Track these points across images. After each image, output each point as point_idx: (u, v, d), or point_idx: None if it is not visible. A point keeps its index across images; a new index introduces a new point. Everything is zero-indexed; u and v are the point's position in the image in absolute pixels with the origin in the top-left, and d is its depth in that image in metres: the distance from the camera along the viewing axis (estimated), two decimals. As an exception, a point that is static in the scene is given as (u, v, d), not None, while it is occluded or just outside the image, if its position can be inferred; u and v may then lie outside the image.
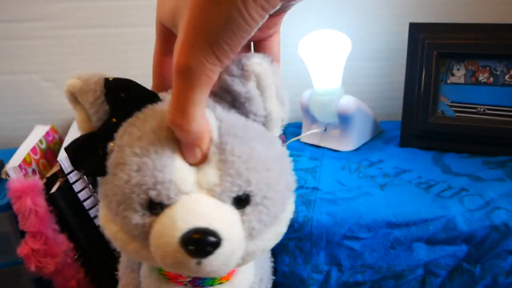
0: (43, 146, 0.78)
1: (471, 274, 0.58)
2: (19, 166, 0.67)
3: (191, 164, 0.38)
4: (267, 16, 0.30)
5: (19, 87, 0.92)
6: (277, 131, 0.43)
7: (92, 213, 0.68)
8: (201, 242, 0.35)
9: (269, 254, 0.57)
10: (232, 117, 0.39)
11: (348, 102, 0.74)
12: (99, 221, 0.42)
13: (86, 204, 0.68)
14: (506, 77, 0.72)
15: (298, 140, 0.81)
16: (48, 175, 0.69)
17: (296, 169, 0.70)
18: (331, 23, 0.82)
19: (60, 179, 0.68)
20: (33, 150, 0.73)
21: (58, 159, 0.66)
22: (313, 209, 0.61)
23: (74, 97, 0.40)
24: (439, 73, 0.75)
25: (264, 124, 0.42)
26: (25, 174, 0.68)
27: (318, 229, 0.59)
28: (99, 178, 0.41)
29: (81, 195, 0.67)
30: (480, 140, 0.73)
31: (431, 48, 0.75)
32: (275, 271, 0.62)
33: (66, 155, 0.41)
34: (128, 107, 0.39)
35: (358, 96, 0.77)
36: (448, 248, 0.58)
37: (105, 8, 0.87)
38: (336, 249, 0.60)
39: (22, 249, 0.64)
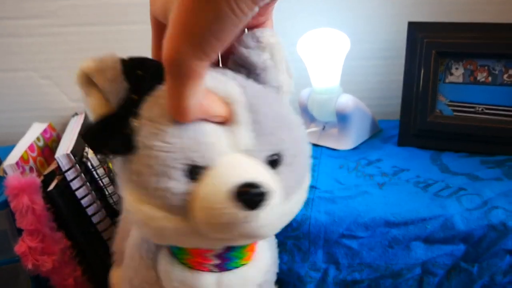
0: (41, 143, 0.77)
1: (468, 273, 0.58)
2: (17, 163, 0.66)
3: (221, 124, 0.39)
4: (257, 9, 0.29)
5: (17, 84, 0.92)
6: (287, 101, 0.45)
7: (89, 211, 0.68)
8: (252, 193, 0.36)
9: (275, 240, 0.57)
10: (253, 84, 0.41)
11: (346, 101, 0.74)
12: (127, 206, 0.41)
13: (84, 202, 0.67)
14: (505, 76, 0.72)
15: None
16: (46, 172, 0.69)
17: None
18: (330, 22, 0.82)
19: (57, 176, 0.67)
20: (31, 147, 0.73)
21: (56, 156, 0.66)
22: (311, 207, 0.61)
23: (88, 80, 0.39)
24: (438, 72, 0.75)
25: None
26: (23, 172, 0.67)
27: (316, 228, 0.59)
28: (121, 160, 0.40)
29: (79, 193, 0.67)
30: (478, 139, 0.73)
31: (429, 47, 0.75)
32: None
33: (85, 141, 0.40)
34: (148, 84, 0.39)
35: (356, 95, 0.77)
36: (446, 247, 0.58)
37: (104, 5, 0.87)
38: (334, 248, 0.60)
39: (19, 247, 0.64)
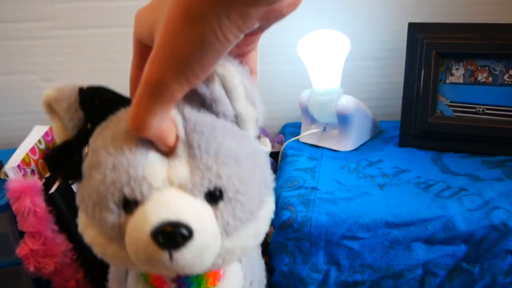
0: (42, 146, 0.78)
1: (470, 274, 0.58)
2: (18, 166, 0.67)
3: (166, 155, 0.39)
4: (242, 36, 0.29)
5: (18, 87, 0.92)
6: (252, 131, 0.43)
7: (91, 213, 0.68)
8: (172, 233, 0.36)
9: (259, 256, 0.57)
10: (199, 116, 0.40)
11: (347, 102, 0.74)
12: (79, 228, 0.42)
13: (85, 204, 0.67)
14: (505, 76, 0.72)
15: (297, 140, 0.81)
16: (47, 175, 0.69)
17: (295, 169, 0.71)
18: (330, 23, 0.82)
19: (59, 179, 0.67)
20: (32, 150, 0.73)
21: (57, 159, 0.66)
22: (312, 209, 0.61)
23: (50, 107, 0.41)
24: (438, 73, 0.75)
25: (237, 124, 0.42)
26: (24, 175, 0.68)
27: (317, 229, 0.59)
28: (76, 184, 0.42)
29: (80, 195, 0.67)
30: (479, 140, 0.73)
31: (430, 48, 0.75)
32: (274, 270, 0.62)
33: (45, 164, 0.42)
34: (102, 112, 0.40)
35: (357, 96, 0.77)
36: (447, 248, 0.58)
37: (104, 8, 0.87)
38: (335, 249, 0.60)
39: (21, 250, 0.64)
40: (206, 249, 0.38)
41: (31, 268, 0.64)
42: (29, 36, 0.88)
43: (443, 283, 0.59)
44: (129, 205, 0.38)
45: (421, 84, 0.76)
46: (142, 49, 0.38)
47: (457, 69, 0.75)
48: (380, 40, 0.89)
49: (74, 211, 0.67)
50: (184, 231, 0.36)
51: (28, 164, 0.70)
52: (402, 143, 0.78)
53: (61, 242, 0.67)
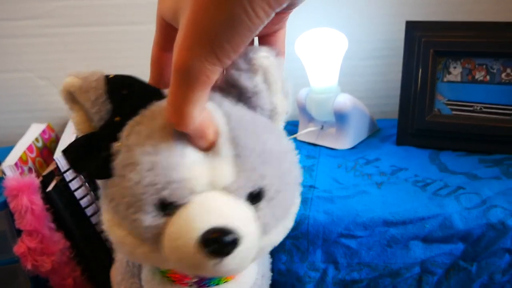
0: (40, 144, 0.77)
1: (467, 272, 0.58)
2: (16, 164, 0.66)
3: (204, 151, 0.37)
4: (273, 15, 0.29)
5: (15, 85, 0.92)
6: (281, 124, 0.43)
7: (88, 211, 0.68)
8: (221, 241, 0.34)
9: (267, 256, 0.57)
10: (240, 111, 0.38)
11: (344, 100, 0.74)
12: (104, 227, 0.40)
13: (83, 202, 0.67)
14: (503, 75, 0.72)
15: (295, 138, 0.81)
16: (45, 173, 0.69)
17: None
18: (328, 21, 0.82)
19: (56, 177, 0.67)
20: (30, 148, 0.73)
21: (55, 157, 0.66)
22: (309, 207, 0.61)
23: (72, 97, 0.38)
24: (436, 71, 0.75)
25: (269, 118, 0.41)
26: (22, 173, 0.67)
27: (314, 227, 0.59)
28: (101, 181, 0.40)
29: (78, 194, 0.67)
30: (477, 138, 0.73)
31: (427, 46, 0.75)
32: (272, 269, 0.62)
33: (65, 158, 0.39)
34: (133, 105, 0.38)
35: (354, 94, 0.77)
36: (444, 246, 0.58)
37: (101, 6, 0.87)
38: (332, 247, 0.60)
39: (19, 248, 0.64)
40: (250, 253, 0.37)
41: (29, 266, 0.64)
42: (26, 34, 0.88)
43: (441, 281, 0.59)
44: (168, 207, 0.36)
45: (419, 82, 0.76)
46: (166, 27, 0.36)
47: (454, 67, 0.75)
48: (378, 38, 0.89)
49: (71, 209, 0.67)
50: (234, 238, 0.35)
51: (25, 162, 0.70)
52: (400, 142, 0.78)
53: (58, 240, 0.67)
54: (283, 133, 0.42)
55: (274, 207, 0.38)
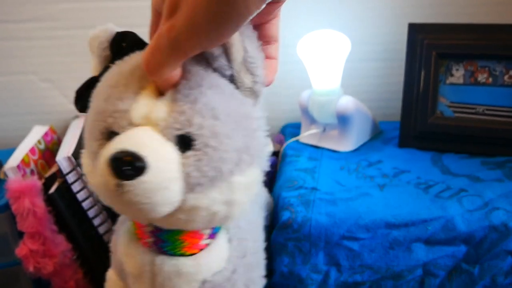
0: (42, 146, 0.78)
1: (470, 275, 0.58)
2: (18, 166, 0.66)
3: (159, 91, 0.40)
4: (264, 6, 0.29)
5: (18, 87, 0.92)
6: (250, 99, 0.43)
7: (90, 213, 0.68)
8: (122, 161, 0.36)
9: (262, 253, 0.55)
10: (194, 66, 0.40)
11: (347, 103, 0.74)
12: (82, 159, 0.45)
13: (85, 204, 0.67)
14: (505, 77, 0.72)
15: (297, 140, 0.81)
16: (47, 175, 0.69)
17: (295, 169, 0.71)
18: (330, 23, 0.82)
19: (58, 179, 0.67)
20: (32, 150, 0.73)
21: (57, 159, 0.66)
22: (312, 209, 0.61)
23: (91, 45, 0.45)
24: (438, 74, 0.75)
25: (234, 86, 0.42)
26: (24, 175, 0.67)
27: (317, 230, 0.59)
28: None
29: (80, 196, 0.67)
30: (479, 140, 0.73)
31: (430, 49, 0.75)
32: (274, 271, 0.62)
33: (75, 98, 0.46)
34: (126, 54, 0.43)
35: (357, 96, 0.77)
36: (447, 248, 0.58)
37: (104, 9, 0.87)
38: (335, 250, 0.60)
39: (21, 250, 0.64)
40: (158, 191, 0.38)
41: (31, 269, 0.64)
42: (29, 37, 0.88)
43: (443, 283, 0.59)
44: (111, 137, 0.39)
45: (421, 84, 0.76)
46: (159, 17, 0.37)
47: (457, 69, 0.75)
48: (380, 40, 0.89)
49: (73, 211, 0.67)
50: (138, 164, 0.36)
51: (28, 165, 0.70)
52: (402, 144, 0.78)
53: (60, 242, 0.67)
54: (244, 100, 0.42)
55: (200, 160, 0.39)
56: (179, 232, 0.46)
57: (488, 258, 0.57)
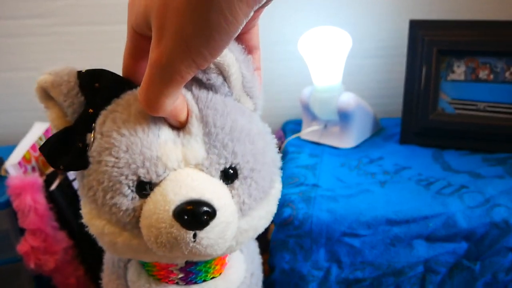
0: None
1: (471, 271, 0.58)
2: (19, 163, 0.67)
3: (175, 127, 0.38)
4: (251, 15, 0.28)
5: (19, 84, 0.92)
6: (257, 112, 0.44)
7: (91, 210, 0.68)
8: (196, 212, 0.35)
9: (257, 250, 0.57)
10: (208, 94, 0.39)
11: (348, 99, 0.74)
12: (84, 220, 0.41)
13: (86, 201, 0.67)
14: (507, 74, 0.72)
15: (298, 137, 0.81)
16: (48, 172, 0.69)
17: (296, 166, 0.71)
18: (331, 20, 0.82)
19: (59, 176, 0.67)
20: (33, 147, 0.73)
21: (58, 156, 0.66)
22: (313, 206, 0.61)
23: (46, 94, 0.39)
24: (439, 70, 0.75)
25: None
26: (25, 172, 0.68)
27: (318, 226, 0.59)
28: (78, 173, 0.41)
29: (81, 192, 0.67)
30: (480, 137, 0.73)
31: (431, 45, 0.75)
32: (275, 268, 0.62)
33: (42, 154, 0.40)
34: (105, 96, 0.39)
35: (358, 93, 0.77)
36: (448, 245, 0.58)
37: (104, 5, 0.87)
38: (336, 246, 0.60)
39: (22, 247, 0.64)
40: (228, 228, 0.38)
41: (32, 265, 0.64)
42: (30, 33, 0.88)
43: (444, 280, 0.59)
44: (144, 188, 0.37)
45: (422, 81, 0.76)
46: (137, 38, 0.36)
47: (458, 66, 0.75)
48: (381, 37, 0.88)
49: (74, 208, 0.68)
50: (208, 209, 0.35)
51: (29, 161, 0.70)
52: (403, 140, 0.78)
53: (61, 239, 0.67)
54: (257, 118, 0.43)
55: (250, 186, 0.39)
56: (211, 260, 0.46)
57: (489, 254, 0.57)
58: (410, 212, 0.58)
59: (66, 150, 0.39)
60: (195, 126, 0.38)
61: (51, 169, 0.70)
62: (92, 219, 0.40)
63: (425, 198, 0.60)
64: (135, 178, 0.37)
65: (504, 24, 0.72)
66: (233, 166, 0.39)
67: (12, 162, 0.66)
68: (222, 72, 0.39)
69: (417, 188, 0.63)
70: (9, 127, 0.94)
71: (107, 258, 0.53)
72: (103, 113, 0.39)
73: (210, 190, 0.37)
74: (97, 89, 0.39)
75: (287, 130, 0.87)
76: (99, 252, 0.71)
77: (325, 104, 0.75)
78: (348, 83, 0.78)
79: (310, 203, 0.61)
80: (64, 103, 0.39)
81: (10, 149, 0.73)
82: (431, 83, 0.75)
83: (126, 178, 0.37)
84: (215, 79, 0.39)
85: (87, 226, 0.41)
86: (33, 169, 0.70)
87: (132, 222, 0.38)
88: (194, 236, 0.36)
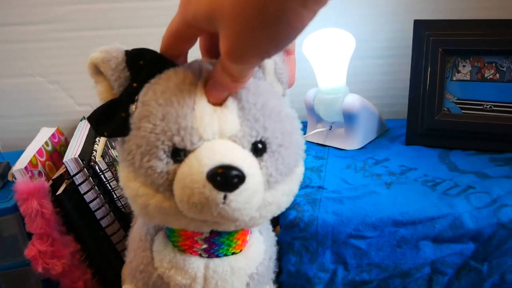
0: (49, 148, 0.78)
1: (478, 272, 0.58)
2: (26, 168, 0.67)
3: (213, 104, 0.41)
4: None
5: (25, 89, 0.92)
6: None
7: (98, 214, 0.68)
8: (228, 175, 0.38)
9: (274, 240, 0.58)
10: None
11: (353, 101, 0.74)
12: (120, 183, 0.44)
13: (92, 205, 0.68)
14: (512, 73, 0.72)
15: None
16: (54, 177, 0.69)
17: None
18: (335, 22, 0.82)
19: (66, 181, 0.68)
20: (39, 152, 0.73)
21: (64, 160, 0.66)
22: (318, 208, 0.60)
23: (96, 69, 0.43)
24: (445, 70, 0.75)
25: None
26: (32, 176, 0.68)
27: (323, 228, 0.59)
28: (119, 141, 0.44)
29: (87, 197, 0.67)
30: (487, 137, 0.72)
31: (436, 45, 0.74)
32: (281, 270, 0.62)
33: (89, 123, 0.44)
34: (148, 72, 0.43)
35: (363, 94, 0.76)
36: (455, 246, 0.58)
37: (111, 10, 0.87)
38: (342, 248, 0.59)
39: (29, 251, 0.65)
40: (255, 195, 0.41)
41: (39, 269, 0.65)
42: (36, 39, 0.89)
43: (452, 281, 0.59)
44: (178, 154, 0.41)
45: (428, 81, 0.75)
46: (190, 27, 0.39)
47: (463, 66, 0.74)
48: (386, 37, 0.88)
49: (81, 212, 0.68)
50: (239, 174, 0.38)
51: (35, 166, 0.70)
52: (409, 141, 0.77)
53: (68, 243, 0.68)
54: (287, 102, 0.47)
55: (277, 160, 0.43)
56: (234, 232, 0.49)
57: (496, 255, 0.57)
58: (417, 213, 0.58)
59: (110, 119, 0.43)
60: (230, 101, 0.41)
61: (57, 174, 0.70)
62: (128, 182, 0.43)
63: (432, 199, 0.60)
64: (170, 144, 0.40)
65: (510, 23, 0.72)
66: (263, 140, 0.42)
67: (19, 167, 0.67)
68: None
69: (423, 189, 0.63)
70: (15, 132, 0.95)
71: (132, 236, 0.56)
72: (146, 85, 0.42)
73: (241, 158, 0.40)
74: (141, 66, 0.43)
75: (292, 132, 0.87)
76: (106, 255, 0.71)
77: (330, 105, 0.75)
78: (353, 84, 0.78)
79: (315, 205, 0.61)
80: (111, 77, 0.43)
81: (17, 154, 0.73)
82: (436, 83, 0.75)
83: (162, 143, 0.40)
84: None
85: (122, 190, 0.45)
86: (40, 174, 0.71)
87: (165, 184, 0.41)
88: (224, 198, 0.38)
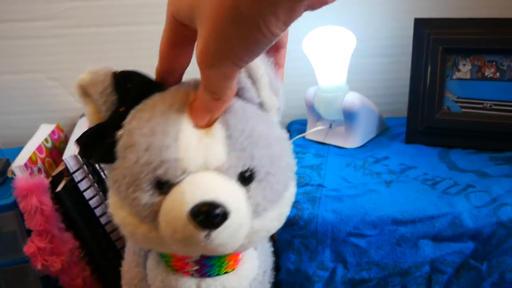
0: (49, 145, 0.78)
1: (478, 271, 0.58)
2: (25, 165, 0.67)
3: (200, 128, 0.40)
4: (287, 29, 0.31)
5: (25, 86, 0.92)
6: (275, 117, 0.46)
7: (97, 211, 0.68)
8: (210, 213, 0.37)
9: (271, 249, 0.58)
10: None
11: (353, 99, 0.74)
12: (109, 209, 0.44)
13: (92, 202, 0.68)
14: (513, 72, 0.72)
15: (303, 137, 0.81)
16: (54, 173, 0.69)
17: (301, 166, 0.71)
18: (336, 20, 0.82)
19: (65, 177, 0.68)
20: (39, 149, 0.73)
21: (64, 157, 0.66)
22: (318, 206, 0.60)
23: (84, 91, 0.42)
24: (445, 69, 0.75)
25: (261, 110, 0.44)
26: (31, 173, 0.68)
27: (323, 226, 0.59)
28: (108, 167, 0.43)
29: (87, 194, 0.67)
30: (487, 136, 0.72)
31: (436, 44, 0.74)
32: (280, 268, 0.62)
33: (77, 146, 0.43)
34: (136, 96, 0.41)
35: (363, 92, 0.76)
36: (454, 245, 0.58)
37: (111, 7, 0.87)
38: (341, 246, 0.60)
39: (28, 248, 0.65)
40: (240, 229, 0.40)
41: (39, 266, 0.65)
42: (36, 35, 0.89)
43: (451, 280, 0.59)
44: (162, 186, 0.39)
45: (428, 80, 0.75)
46: (176, 25, 0.38)
47: (464, 64, 0.74)
48: (386, 36, 0.88)
49: (80, 209, 0.68)
50: (222, 211, 0.37)
51: (35, 163, 0.70)
52: (409, 140, 0.77)
53: (68, 240, 0.68)
54: (275, 122, 0.45)
55: (264, 189, 0.41)
56: (225, 255, 0.48)
57: (496, 254, 0.57)
58: (416, 212, 0.58)
59: (97, 143, 0.42)
60: (217, 128, 0.40)
61: (57, 171, 0.70)
62: (116, 209, 0.43)
63: (431, 198, 0.60)
64: (154, 176, 0.39)
65: (510, 21, 0.72)
66: (250, 169, 0.41)
67: (18, 163, 0.67)
68: (251, 74, 0.42)
69: (423, 187, 0.63)
70: (15, 129, 0.95)
71: (129, 247, 0.55)
72: (132, 112, 0.41)
73: (225, 192, 0.39)
74: (129, 89, 0.42)
75: (292, 130, 0.87)
76: (106, 252, 0.71)
77: (330, 104, 0.75)
78: (353, 82, 0.78)
79: (315, 203, 0.61)
80: (99, 101, 0.42)
81: (16, 150, 0.73)
82: (436, 81, 0.75)
83: (146, 175, 0.39)
84: (245, 80, 0.42)
85: (111, 215, 0.44)
86: (39, 170, 0.71)
87: (150, 216, 0.40)
88: (207, 235, 0.38)
